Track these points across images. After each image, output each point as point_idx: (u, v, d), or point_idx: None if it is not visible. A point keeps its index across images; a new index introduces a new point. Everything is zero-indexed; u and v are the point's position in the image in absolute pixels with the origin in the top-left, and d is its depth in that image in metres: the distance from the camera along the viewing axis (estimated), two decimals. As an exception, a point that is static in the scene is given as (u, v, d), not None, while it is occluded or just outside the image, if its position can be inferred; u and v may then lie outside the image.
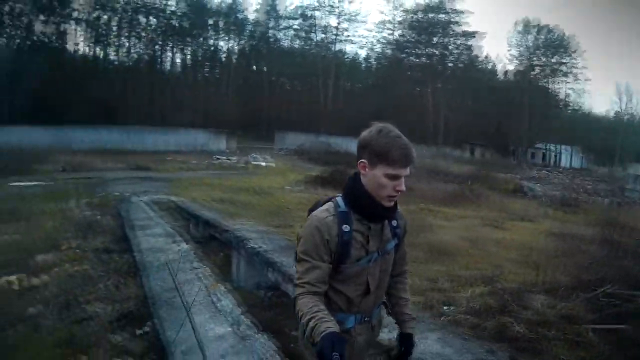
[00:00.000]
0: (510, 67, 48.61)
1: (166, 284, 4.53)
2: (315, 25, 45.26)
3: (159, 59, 42.80)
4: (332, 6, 44.55)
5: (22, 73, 30.23)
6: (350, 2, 46.73)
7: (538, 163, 40.70)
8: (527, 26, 45.97)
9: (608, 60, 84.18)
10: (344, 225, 1.47)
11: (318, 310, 1.35)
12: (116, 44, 41.14)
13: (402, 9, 45.63)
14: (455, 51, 45.86)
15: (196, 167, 17.55)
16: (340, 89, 45.35)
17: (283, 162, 19.14)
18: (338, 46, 46.46)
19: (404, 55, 45.49)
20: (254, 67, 47.44)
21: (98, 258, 5.51)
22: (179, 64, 45.41)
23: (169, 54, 43.88)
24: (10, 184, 10.23)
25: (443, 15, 44.32)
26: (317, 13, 45.00)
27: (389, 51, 47.15)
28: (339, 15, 44.82)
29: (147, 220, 7.88)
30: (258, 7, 46.29)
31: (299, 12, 45.48)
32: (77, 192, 9.02)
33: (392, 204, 1.50)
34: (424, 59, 44.74)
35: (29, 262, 4.65)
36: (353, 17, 45.28)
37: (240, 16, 45.51)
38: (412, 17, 45.11)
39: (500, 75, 50.79)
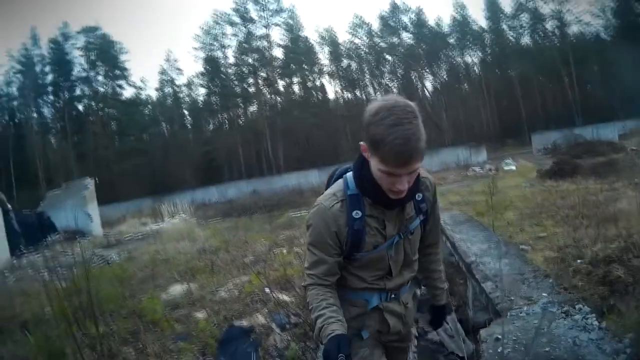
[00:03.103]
0: None
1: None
2: (541, 15, 41.12)
3: (415, 87, 45.05)
4: (548, -9, 39.63)
5: (294, 129, 37.82)
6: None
7: None
8: None
9: None
10: (355, 212, 1.30)
11: (327, 305, 1.30)
12: (369, 84, 46.58)
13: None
14: None
15: (452, 180, 17.94)
16: (583, 74, 38.96)
17: (535, 162, 18.16)
18: (569, 30, 40.84)
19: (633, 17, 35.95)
20: (502, 73, 45.05)
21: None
22: (429, 89, 47.04)
23: (419, 82, 46.25)
24: (290, 214, 13.61)
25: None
26: (538, 3, 40.96)
27: (615, 18, 38.33)
28: (557, -1, 39.35)
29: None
30: (485, 14, 44.96)
31: (521, 8, 42.28)
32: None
33: (400, 196, 1.25)
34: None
35: (294, 242, 7.43)
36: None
37: (475, 27, 45.11)
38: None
39: None
